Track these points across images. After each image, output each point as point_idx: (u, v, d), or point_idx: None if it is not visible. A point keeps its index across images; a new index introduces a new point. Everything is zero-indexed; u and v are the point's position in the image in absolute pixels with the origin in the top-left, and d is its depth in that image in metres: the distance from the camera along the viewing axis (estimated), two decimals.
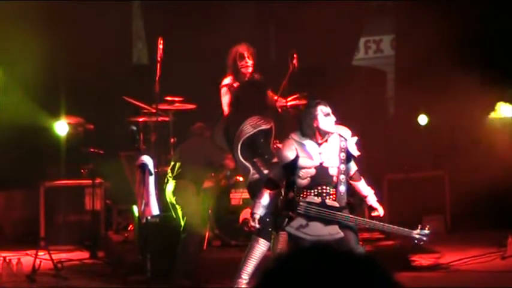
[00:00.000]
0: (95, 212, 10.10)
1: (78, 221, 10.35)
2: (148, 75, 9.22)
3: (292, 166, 6.31)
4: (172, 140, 9.52)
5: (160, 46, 8.61)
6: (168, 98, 9.57)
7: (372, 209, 6.62)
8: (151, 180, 6.85)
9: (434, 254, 9.08)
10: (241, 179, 8.77)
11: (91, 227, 10.07)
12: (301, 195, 6.28)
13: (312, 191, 6.27)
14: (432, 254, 9.04)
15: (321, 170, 6.29)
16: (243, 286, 6.84)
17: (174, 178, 8.36)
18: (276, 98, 7.88)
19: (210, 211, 8.98)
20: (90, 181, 9.97)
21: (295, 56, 7.85)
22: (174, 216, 8.29)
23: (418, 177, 10.84)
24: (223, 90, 7.73)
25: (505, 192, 10.32)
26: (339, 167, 6.32)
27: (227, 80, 7.74)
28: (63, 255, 9.39)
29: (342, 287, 1.94)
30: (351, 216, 6.37)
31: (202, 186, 8.61)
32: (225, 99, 7.70)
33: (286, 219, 6.29)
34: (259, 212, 6.46)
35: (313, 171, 6.27)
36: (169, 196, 8.33)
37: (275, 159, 6.89)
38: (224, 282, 7.58)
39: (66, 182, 10.50)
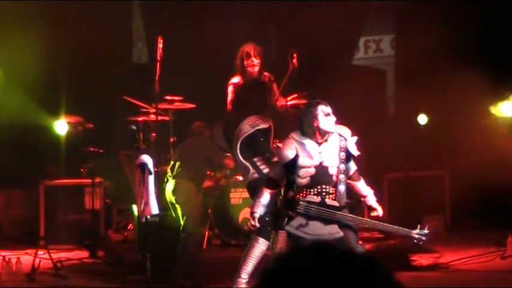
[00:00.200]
0: (94, 211, 10.10)
1: (78, 220, 10.35)
2: (148, 74, 9.22)
3: (292, 165, 6.31)
4: (172, 140, 9.52)
5: (160, 45, 8.63)
6: (168, 97, 9.57)
7: (371, 209, 6.62)
8: (151, 179, 6.84)
9: (434, 254, 9.08)
10: (240, 178, 8.78)
11: (91, 226, 10.06)
12: (301, 194, 6.28)
13: (312, 190, 6.27)
14: (432, 254, 9.04)
15: (321, 169, 6.29)
16: (242, 285, 6.84)
17: (173, 177, 8.36)
18: (277, 96, 7.90)
19: (209, 210, 8.98)
20: (90, 180, 9.96)
21: (295, 55, 7.86)
22: (174, 215, 8.29)
23: (418, 176, 10.83)
24: (229, 88, 7.80)
25: (505, 192, 10.32)
26: (338, 167, 6.32)
27: (235, 79, 7.82)
28: (63, 255, 9.38)
29: (342, 287, 1.94)
30: (350, 215, 6.38)
31: (202, 186, 8.61)
32: (230, 97, 7.77)
33: (286, 219, 6.29)
34: (259, 211, 6.46)
35: (312, 170, 6.27)
36: (169, 195, 8.33)
37: (275, 158, 6.90)
38: (224, 281, 7.58)
39: (66, 181, 10.50)
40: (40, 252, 8.73)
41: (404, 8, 12.37)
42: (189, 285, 7.91)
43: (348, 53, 13.17)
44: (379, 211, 6.58)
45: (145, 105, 9.63)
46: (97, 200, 10.17)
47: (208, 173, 8.90)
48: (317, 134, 6.34)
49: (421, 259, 8.82)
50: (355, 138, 6.46)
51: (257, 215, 6.46)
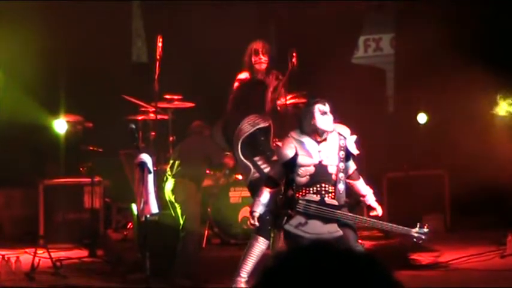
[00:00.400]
0: (94, 210, 10.09)
1: (77, 219, 10.33)
2: (148, 73, 9.22)
3: (292, 164, 6.31)
4: (171, 138, 9.52)
5: (160, 44, 8.63)
6: (167, 96, 9.56)
7: (370, 208, 6.62)
8: (151, 178, 6.83)
9: (434, 253, 9.07)
10: (240, 177, 8.78)
11: (90, 225, 10.06)
12: (300, 193, 6.28)
13: (311, 189, 6.27)
14: (431, 253, 9.04)
15: (320, 168, 6.29)
16: (242, 285, 6.84)
17: (173, 176, 8.35)
18: (282, 95, 7.92)
19: (209, 209, 8.97)
20: (89, 179, 9.95)
21: (294, 54, 7.87)
22: (173, 214, 8.29)
23: (418, 175, 10.82)
24: (236, 85, 7.82)
25: (504, 191, 10.31)
26: (338, 165, 6.32)
27: (242, 76, 7.86)
28: (62, 254, 9.38)
29: (342, 286, 1.93)
30: (350, 214, 6.38)
31: (202, 185, 8.61)
32: (231, 96, 7.78)
33: (285, 217, 6.29)
34: (259, 210, 6.46)
35: (312, 169, 6.27)
36: (169, 194, 8.32)
37: (275, 157, 6.90)
38: (223, 280, 7.57)
39: (65, 180, 10.49)
40: (39, 251, 8.72)
41: (404, 7, 12.36)
42: (189, 284, 7.91)
43: (347, 52, 13.17)
44: (379, 210, 6.58)
45: (144, 104, 9.62)
46: (96, 199, 10.17)
47: (207, 172, 8.90)
48: (316, 133, 6.34)
49: (420, 258, 8.81)
50: (355, 137, 6.46)
51: (257, 214, 6.47)
